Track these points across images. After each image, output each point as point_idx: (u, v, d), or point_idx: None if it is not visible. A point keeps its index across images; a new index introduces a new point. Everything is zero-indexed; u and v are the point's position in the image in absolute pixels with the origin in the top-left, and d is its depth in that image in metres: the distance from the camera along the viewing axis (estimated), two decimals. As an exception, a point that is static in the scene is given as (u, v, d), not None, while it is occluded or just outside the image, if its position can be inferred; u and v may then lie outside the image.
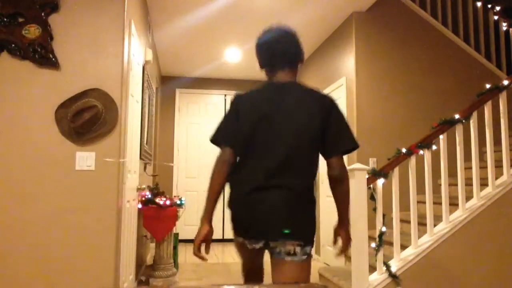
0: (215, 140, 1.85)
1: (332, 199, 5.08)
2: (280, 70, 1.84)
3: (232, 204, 1.79)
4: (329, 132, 1.76)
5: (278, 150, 1.73)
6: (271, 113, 1.75)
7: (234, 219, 1.79)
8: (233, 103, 1.85)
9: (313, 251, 5.69)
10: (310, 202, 1.78)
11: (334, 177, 1.79)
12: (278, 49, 1.83)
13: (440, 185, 3.44)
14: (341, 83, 4.84)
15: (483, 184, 3.42)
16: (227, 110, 1.86)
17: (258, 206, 1.71)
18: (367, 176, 3.10)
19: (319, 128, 1.74)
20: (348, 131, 1.79)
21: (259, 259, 1.98)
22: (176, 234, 4.57)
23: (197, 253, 1.78)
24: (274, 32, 1.86)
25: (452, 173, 3.58)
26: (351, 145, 1.77)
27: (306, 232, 1.74)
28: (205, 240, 1.78)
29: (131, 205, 3.41)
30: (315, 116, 1.74)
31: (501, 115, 3.45)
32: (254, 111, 1.77)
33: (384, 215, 3.10)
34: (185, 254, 6.00)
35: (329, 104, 1.78)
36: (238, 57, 6.22)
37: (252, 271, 2.01)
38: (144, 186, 4.14)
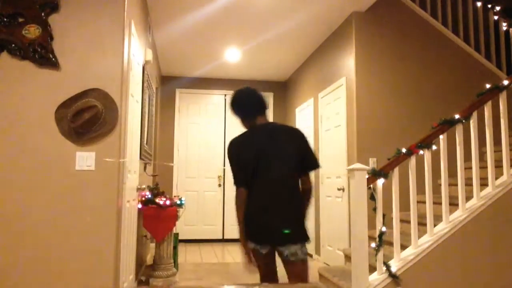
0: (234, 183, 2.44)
1: (332, 200, 5.08)
2: (259, 116, 2.49)
3: (247, 220, 2.36)
4: (305, 157, 2.41)
5: (274, 175, 2.34)
6: (264, 148, 2.38)
7: (248, 231, 2.36)
8: (230, 150, 2.46)
9: (313, 252, 5.70)
10: (299, 210, 2.38)
11: (306, 189, 2.44)
12: (254, 103, 2.48)
13: (440, 185, 3.44)
14: (341, 83, 4.84)
15: (483, 184, 3.42)
16: (229, 158, 2.46)
17: (265, 219, 2.31)
18: (367, 176, 3.09)
19: (296, 153, 2.38)
20: (314, 154, 2.47)
21: (272, 265, 2.45)
22: (176, 234, 4.57)
23: (249, 263, 2.36)
24: (244, 92, 2.51)
25: (452, 173, 3.58)
26: (317, 165, 2.48)
27: (302, 235, 2.33)
28: (249, 252, 2.37)
29: (131, 205, 3.41)
30: (293, 145, 2.39)
31: (501, 115, 3.45)
32: (251, 149, 2.38)
33: (384, 215, 3.10)
34: (185, 254, 6.00)
35: (301, 135, 2.45)
36: (238, 57, 6.22)
37: (267, 276, 2.47)
38: (144, 186, 4.14)
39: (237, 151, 2.43)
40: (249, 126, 2.50)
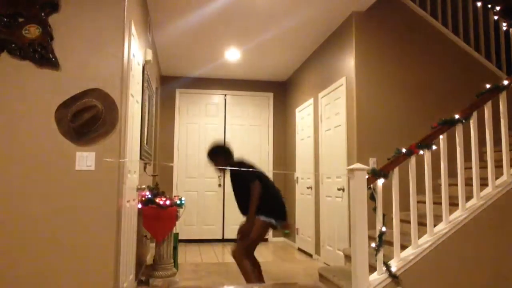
0: (252, 180, 3.52)
1: (332, 200, 5.08)
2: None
3: (276, 206, 3.61)
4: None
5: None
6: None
7: (275, 212, 3.58)
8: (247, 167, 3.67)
9: (313, 252, 5.71)
10: None
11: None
12: (229, 148, 3.83)
13: (440, 185, 3.44)
14: (341, 83, 4.84)
15: (483, 184, 3.42)
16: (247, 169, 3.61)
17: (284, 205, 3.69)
18: (367, 176, 3.10)
19: None
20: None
21: None
22: (176, 234, 4.57)
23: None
24: (218, 142, 3.86)
25: (452, 173, 3.58)
26: None
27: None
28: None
29: (131, 205, 3.41)
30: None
31: (501, 115, 3.45)
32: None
33: (384, 215, 3.10)
34: (185, 254, 6.00)
35: None
36: (238, 57, 6.22)
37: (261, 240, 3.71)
38: (144, 186, 4.14)
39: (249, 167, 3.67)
40: (228, 163, 3.68)
